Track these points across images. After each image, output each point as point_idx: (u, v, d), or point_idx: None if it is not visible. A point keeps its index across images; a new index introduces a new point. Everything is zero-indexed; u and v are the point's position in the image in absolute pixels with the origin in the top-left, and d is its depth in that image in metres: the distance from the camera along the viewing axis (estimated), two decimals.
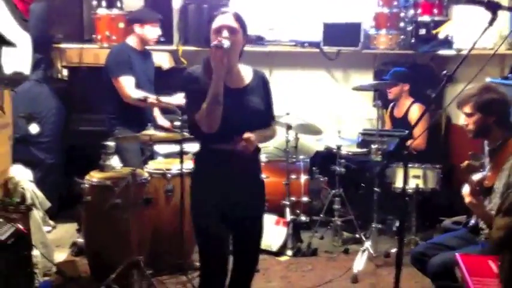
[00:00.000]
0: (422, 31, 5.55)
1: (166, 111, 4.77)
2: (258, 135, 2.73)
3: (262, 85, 2.87)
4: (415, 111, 5.09)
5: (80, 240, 4.27)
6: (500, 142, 3.08)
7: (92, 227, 3.86)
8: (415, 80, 5.28)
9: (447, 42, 5.27)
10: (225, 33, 2.67)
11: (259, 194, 2.94)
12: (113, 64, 4.34)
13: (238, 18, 2.75)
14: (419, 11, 5.57)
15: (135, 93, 4.22)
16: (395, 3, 5.65)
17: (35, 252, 3.59)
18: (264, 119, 2.84)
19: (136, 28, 4.45)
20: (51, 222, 4.56)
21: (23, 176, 4.10)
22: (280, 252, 4.56)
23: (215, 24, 2.71)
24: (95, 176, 3.82)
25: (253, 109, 2.77)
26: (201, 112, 2.62)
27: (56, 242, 4.48)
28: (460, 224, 3.48)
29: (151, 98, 4.14)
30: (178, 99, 4.21)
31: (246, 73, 2.85)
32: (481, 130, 3.11)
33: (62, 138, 5.24)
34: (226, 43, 2.59)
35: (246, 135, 2.66)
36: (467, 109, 3.10)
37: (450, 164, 5.38)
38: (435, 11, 5.51)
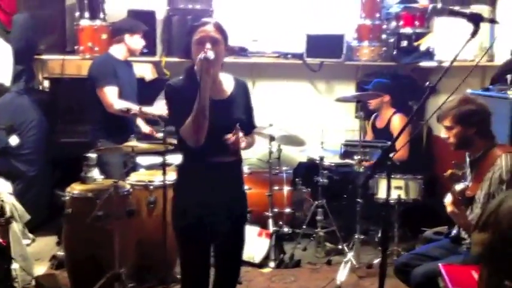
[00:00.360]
0: (404, 43, 5.61)
1: (149, 121, 4.76)
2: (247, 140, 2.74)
3: (243, 93, 2.85)
4: (397, 122, 5.13)
5: (60, 253, 4.22)
6: (481, 153, 3.11)
7: (73, 240, 3.81)
8: (396, 91, 5.33)
9: (428, 54, 5.33)
10: (208, 44, 2.63)
11: (241, 206, 2.92)
12: (98, 74, 4.32)
13: (219, 28, 2.72)
14: (401, 23, 5.63)
15: (118, 103, 4.21)
16: (377, 15, 5.72)
17: (14, 265, 3.55)
18: (246, 129, 2.80)
19: (127, 38, 4.44)
20: (31, 235, 4.50)
21: (2, 188, 4.05)
22: (263, 263, 4.54)
23: (197, 35, 2.68)
24: (76, 188, 3.78)
25: (237, 120, 2.73)
26: (186, 126, 2.59)
27: (35, 255, 4.42)
28: (442, 234, 3.50)
29: (134, 109, 4.12)
30: (160, 108, 4.19)
31: (228, 83, 2.83)
32: (463, 142, 3.13)
33: (44, 150, 5.19)
34: (211, 55, 2.56)
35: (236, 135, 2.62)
36: (447, 122, 3.12)
37: (432, 174, 5.42)
38: (417, 23, 5.58)
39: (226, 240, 2.84)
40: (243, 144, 2.68)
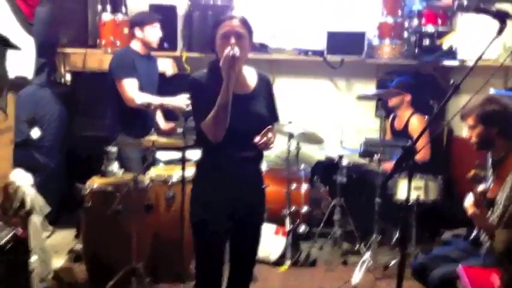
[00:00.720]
0: (426, 41, 5.54)
1: (169, 117, 4.76)
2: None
3: (266, 88, 2.84)
4: (416, 123, 5.05)
5: (78, 246, 4.25)
6: (503, 154, 3.07)
7: (91, 233, 3.85)
8: (418, 90, 5.27)
9: (451, 53, 5.26)
10: (233, 39, 2.63)
11: (259, 203, 2.92)
12: (116, 67, 4.34)
13: (245, 23, 2.71)
14: (423, 21, 5.55)
15: (138, 97, 4.21)
16: (399, 12, 5.64)
17: (33, 258, 3.57)
18: (269, 123, 2.77)
19: (137, 31, 4.44)
20: (50, 227, 4.56)
21: (23, 180, 4.09)
22: (279, 262, 4.53)
23: (222, 30, 2.67)
24: (96, 182, 3.81)
25: (259, 115, 2.75)
26: (207, 121, 2.60)
27: (54, 247, 4.45)
28: (460, 236, 3.47)
29: (155, 103, 4.13)
30: (182, 100, 4.20)
31: (251, 77, 2.83)
32: (485, 142, 3.10)
33: (64, 143, 5.23)
34: (237, 51, 2.55)
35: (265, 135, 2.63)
36: (470, 121, 3.09)
37: (451, 175, 5.36)
38: (439, 21, 5.50)
39: (242, 237, 2.84)
40: (271, 146, 2.68)
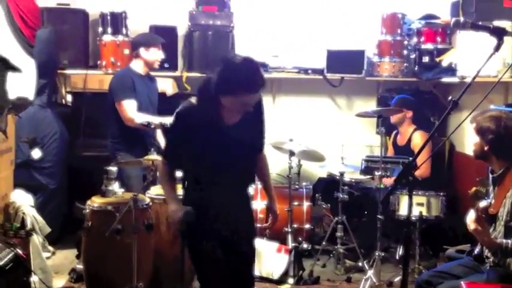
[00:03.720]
0: (426, 59, 5.57)
1: None
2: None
3: (256, 109, 2.75)
4: (417, 138, 5.08)
5: (79, 266, 4.23)
6: (502, 170, 3.05)
7: (92, 253, 3.82)
8: (418, 107, 5.28)
9: (450, 70, 5.28)
10: (249, 107, 2.63)
11: (251, 228, 2.97)
12: (116, 88, 4.37)
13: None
14: (422, 38, 5.60)
15: (138, 117, 4.23)
16: (398, 31, 5.69)
17: (34, 278, 3.55)
18: (257, 148, 2.86)
19: (142, 51, 4.48)
20: (51, 248, 4.55)
21: (23, 200, 4.10)
22: (282, 280, 4.50)
23: (244, 100, 2.60)
24: (96, 201, 3.80)
25: (245, 144, 2.75)
26: (160, 173, 2.93)
27: (55, 268, 4.45)
28: (464, 252, 3.44)
29: (154, 122, 4.14)
30: None
31: None
32: (480, 153, 3.12)
33: (65, 163, 5.24)
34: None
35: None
36: (473, 128, 3.10)
37: (454, 191, 5.34)
38: (438, 39, 5.55)
39: (238, 262, 2.83)
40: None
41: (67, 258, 4.80)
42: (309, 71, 5.76)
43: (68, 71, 5.52)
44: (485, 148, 3.06)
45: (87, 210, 3.77)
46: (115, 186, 3.92)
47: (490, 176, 3.18)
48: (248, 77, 2.55)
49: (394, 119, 5.17)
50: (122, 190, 3.98)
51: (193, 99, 2.74)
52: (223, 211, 2.74)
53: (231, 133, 2.70)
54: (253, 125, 2.80)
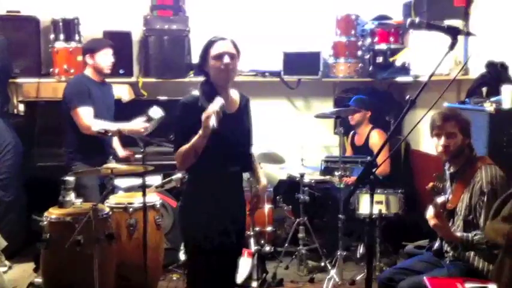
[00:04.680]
0: (380, 59, 5.66)
1: (128, 143, 4.68)
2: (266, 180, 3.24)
3: (247, 108, 3.06)
4: (375, 137, 5.16)
5: (38, 280, 4.12)
6: (461, 165, 3.12)
7: (52, 265, 3.73)
8: (374, 107, 5.36)
9: (404, 69, 5.38)
10: (227, 58, 2.78)
11: (244, 214, 3.08)
12: (71, 94, 4.26)
13: (235, 45, 2.88)
14: (376, 39, 5.69)
15: (95, 124, 4.12)
16: (352, 32, 5.77)
17: None
18: (251, 140, 3.06)
19: (88, 59, 4.38)
20: (7, 263, 4.42)
21: None
22: (246, 284, 4.48)
23: (216, 50, 2.80)
24: (54, 213, 3.70)
25: (245, 132, 3.00)
26: (181, 152, 2.77)
27: (12, 282, 4.32)
28: (423, 248, 3.50)
29: (112, 129, 4.06)
30: (138, 124, 4.16)
31: (236, 97, 3.01)
32: (459, 152, 3.10)
33: (20, 174, 5.09)
34: (222, 103, 2.67)
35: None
36: (451, 128, 3.07)
37: (412, 188, 5.44)
38: (391, 39, 5.65)
39: (229, 249, 2.96)
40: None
41: (25, 271, 4.67)
42: (266, 74, 5.77)
43: (20, 80, 5.36)
44: (466, 143, 3.10)
45: (45, 222, 3.67)
46: (73, 197, 3.83)
47: (447, 172, 3.25)
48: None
49: (354, 120, 5.23)
50: (80, 200, 3.89)
51: (196, 92, 2.87)
52: (221, 197, 2.87)
53: (232, 121, 2.86)
54: (246, 117, 3.04)
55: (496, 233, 2.38)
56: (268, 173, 5.72)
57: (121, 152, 4.68)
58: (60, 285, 3.66)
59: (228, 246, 2.92)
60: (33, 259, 4.64)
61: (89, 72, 4.42)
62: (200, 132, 2.67)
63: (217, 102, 2.67)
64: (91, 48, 4.41)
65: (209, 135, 2.67)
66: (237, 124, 2.93)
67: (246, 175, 3.19)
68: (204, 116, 2.64)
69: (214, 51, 2.80)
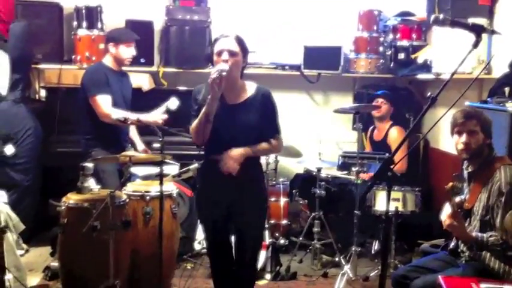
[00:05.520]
0: (401, 55, 5.62)
1: (146, 132, 4.71)
2: (246, 151, 3.03)
3: (263, 101, 3.10)
4: (394, 134, 5.13)
5: (54, 264, 4.17)
6: (480, 164, 3.09)
7: (68, 250, 3.77)
8: (394, 104, 5.33)
9: (426, 67, 5.33)
10: (225, 55, 2.96)
11: (252, 201, 3.13)
12: (90, 83, 4.28)
13: (239, 41, 3.04)
14: (398, 35, 5.65)
15: (114, 112, 4.15)
16: (374, 27, 5.74)
17: (8, 276, 3.49)
18: (258, 133, 3.07)
19: (110, 47, 4.40)
20: (24, 246, 4.46)
21: None
22: (259, 276, 4.50)
23: (217, 47, 3.00)
24: (72, 198, 3.74)
25: (245, 124, 3.03)
26: (193, 125, 3.01)
27: (29, 265, 4.37)
28: (438, 247, 3.48)
29: (132, 118, 4.08)
30: (157, 116, 4.19)
31: (248, 89, 3.12)
32: (480, 150, 3.06)
33: (39, 159, 5.15)
34: (225, 69, 2.87)
35: (225, 154, 2.99)
36: (473, 126, 3.03)
37: (429, 187, 5.41)
38: (414, 35, 5.61)
39: (242, 234, 3.19)
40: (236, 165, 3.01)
41: (41, 255, 4.74)
42: (286, 67, 5.76)
43: (42, 66, 5.42)
44: (487, 142, 3.06)
45: (63, 207, 3.71)
46: (91, 183, 3.86)
47: (465, 171, 3.22)
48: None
49: (381, 111, 5.19)
50: (98, 187, 3.92)
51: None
52: (222, 183, 3.07)
53: (231, 112, 3.03)
54: (258, 110, 3.07)
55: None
56: (285, 166, 5.74)
57: (140, 146, 4.68)
58: (75, 269, 3.70)
59: (240, 229, 3.18)
60: (50, 243, 4.71)
61: (108, 60, 4.44)
62: (209, 97, 2.90)
63: (218, 67, 2.90)
64: (116, 38, 4.42)
65: (217, 99, 2.90)
66: (239, 115, 3.04)
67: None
68: (209, 81, 2.88)
69: (216, 48, 3.01)
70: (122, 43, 4.39)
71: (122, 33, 4.60)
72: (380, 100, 5.19)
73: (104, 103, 4.21)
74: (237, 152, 3.00)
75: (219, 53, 2.99)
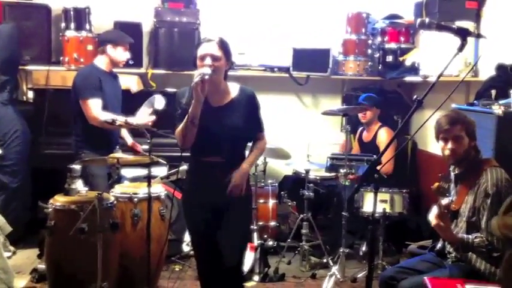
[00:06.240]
0: (389, 58, 5.66)
1: (134, 134, 4.71)
2: (247, 165, 3.09)
3: (246, 101, 3.11)
4: (383, 135, 5.16)
5: (41, 266, 4.15)
6: (466, 167, 3.11)
7: (55, 253, 3.75)
8: (382, 106, 5.36)
9: (414, 69, 5.37)
10: (208, 60, 2.96)
11: (235, 204, 3.08)
12: (83, 86, 4.26)
13: (221, 45, 3.02)
14: (386, 38, 5.70)
15: (102, 115, 4.14)
16: (363, 30, 5.77)
17: None
18: (244, 134, 3.11)
19: (109, 49, 4.39)
20: (12, 248, 4.44)
21: None
22: (248, 277, 4.50)
23: (200, 52, 3.01)
24: (59, 200, 3.72)
25: (230, 125, 3.03)
26: (178, 128, 2.97)
27: (16, 268, 4.35)
28: (426, 248, 3.50)
29: (120, 120, 4.07)
30: (144, 118, 4.19)
31: (232, 91, 3.12)
32: (466, 154, 3.07)
33: (27, 161, 5.12)
34: (207, 73, 2.86)
35: (232, 184, 3.01)
36: (458, 131, 3.04)
37: (417, 189, 5.44)
38: (402, 38, 5.65)
39: (225, 236, 3.09)
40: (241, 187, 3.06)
41: (29, 258, 4.71)
42: (275, 69, 5.78)
43: (29, 67, 5.39)
44: (472, 145, 3.08)
45: (50, 209, 3.69)
46: (78, 185, 3.84)
47: (452, 173, 3.24)
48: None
49: (367, 117, 5.23)
50: (86, 189, 3.91)
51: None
52: (209, 185, 3.07)
53: (216, 114, 3.03)
54: (242, 111, 3.08)
55: (509, 228, 2.35)
56: (274, 168, 5.74)
57: (129, 140, 4.70)
58: (63, 272, 3.69)
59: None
60: (37, 245, 4.68)
61: (101, 61, 4.42)
62: (193, 102, 2.88)
63: (201, 71, 2.90)
64: (115, 40, 4.42)
65: (201, 102, 2.89)
66: (223, 117, 3.04)
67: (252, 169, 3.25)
68: (192, 85, 2.86)
69: (199, 52, 3.01)
70: (120, 45, 4.41)
71: (120, 35, 4.60)
72: (364, 108, 5.17)
73: (93, 106, 4.20)
74: (244, 172, 3.06)
75: (202, 58, 2.99)
